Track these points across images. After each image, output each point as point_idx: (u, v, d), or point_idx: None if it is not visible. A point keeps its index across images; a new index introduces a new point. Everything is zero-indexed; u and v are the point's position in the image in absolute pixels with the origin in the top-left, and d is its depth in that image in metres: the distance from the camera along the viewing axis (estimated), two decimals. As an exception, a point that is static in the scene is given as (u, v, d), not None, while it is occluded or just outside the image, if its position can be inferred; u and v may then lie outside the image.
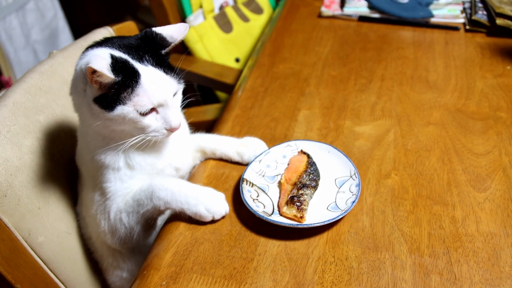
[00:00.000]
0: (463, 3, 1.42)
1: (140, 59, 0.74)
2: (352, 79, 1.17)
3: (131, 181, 0.82)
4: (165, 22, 1.46)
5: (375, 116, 1.03)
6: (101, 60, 0.69)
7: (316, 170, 0.86)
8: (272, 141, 0.97)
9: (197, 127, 0.97)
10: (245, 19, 1.68)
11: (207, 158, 0.95)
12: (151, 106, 0.73)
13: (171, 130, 0.77)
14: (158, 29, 0.79)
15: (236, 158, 0.92)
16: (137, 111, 0.73)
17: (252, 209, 0.79)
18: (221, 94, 1.60)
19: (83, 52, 0.78)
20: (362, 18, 1.43)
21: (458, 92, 1.10)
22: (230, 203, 0.83)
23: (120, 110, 0.72)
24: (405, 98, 1.09)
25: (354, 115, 1.04)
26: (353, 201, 0.78)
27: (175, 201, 0.79)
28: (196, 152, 0.95)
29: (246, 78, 1.20)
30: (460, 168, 0.89)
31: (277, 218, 0.78)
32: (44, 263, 0.84)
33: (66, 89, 0.94)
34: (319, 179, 0.85)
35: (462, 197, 0.83)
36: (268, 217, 0.78)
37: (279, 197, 0.83)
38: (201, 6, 1.56)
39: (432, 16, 1.38)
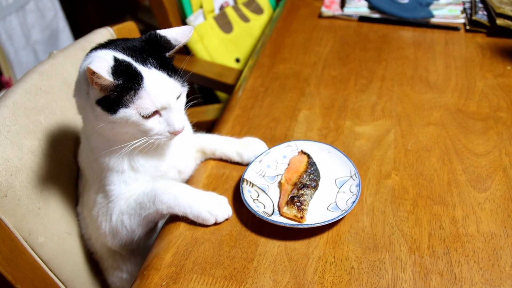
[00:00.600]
0: (463, 3, 1.42)
1: (144, 62, 0.73)
2: (352, 79, 1.17)
3: (135, 183, 0.82)
4: (165, 22, 1.46)
5: (375, 116, 1.03)
6: (102, 62, 0.69)
7: (317, 170, 0.86)
8: (272, 141, 0.97)
9: (197, 127, 0.96)
10: (245, 19, 1.68)
11: (207, 158, 0.95)
12: (154, 109, 0.73)
13: (174, 133, 0.76)
14: (162, 32, 0.78)
15: (236, 158, 0.92)
16: (140, 114, 0.72)
17: (253, 209, 0.79)
18: (221, 94, 1.60)
19: (87, 54, 0.77)
20: (362, 18, 1.43)
21: (458, 92, 1.10)
22: (230, 203, 0.83)
23: (122, 112, 0.72)
24: (405, 98, 1.09)
25: (354, 115, 1.04)
26: (353, 201, 0.78)
27: (178, 206, 0.79)
28: (196, 152, 0.95)
29: (246, 78, 1.20)
30: (460, 168, 0.89)
31: (277, 218, 0.78)
32: (45, 263, 0.84)
33: (67, 89, 0.95)
34: (319, 179, 0.85)
35: (462, 197, 0.83)
36: (268, 217, 0.78)
37: (279, 197, 0.83)
38: (201, 6, 1.56)
39: (432, 16, 1.38)
